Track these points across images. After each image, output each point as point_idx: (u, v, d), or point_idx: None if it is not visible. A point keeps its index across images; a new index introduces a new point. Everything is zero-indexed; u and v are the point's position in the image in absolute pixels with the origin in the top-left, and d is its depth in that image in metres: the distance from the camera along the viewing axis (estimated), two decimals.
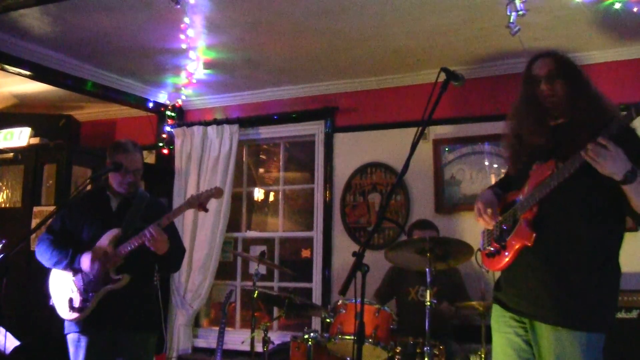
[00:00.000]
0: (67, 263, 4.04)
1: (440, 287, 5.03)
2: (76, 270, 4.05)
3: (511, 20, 4.41)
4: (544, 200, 2.81)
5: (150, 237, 3.92)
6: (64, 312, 4.04)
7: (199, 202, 4.13)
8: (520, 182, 3.01)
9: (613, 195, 2.69)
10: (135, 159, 4.21)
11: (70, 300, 4.01)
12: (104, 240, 4.04)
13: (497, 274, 3.13)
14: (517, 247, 2.89)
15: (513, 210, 2.96)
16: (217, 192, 4.20)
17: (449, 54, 5.60)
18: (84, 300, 3.99)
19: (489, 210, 3.03)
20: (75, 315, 3.99)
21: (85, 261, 3.99)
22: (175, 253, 4.22)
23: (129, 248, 3.98)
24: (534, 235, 2.82)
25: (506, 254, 2.95)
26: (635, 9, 4.44)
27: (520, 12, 4.30)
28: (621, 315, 4.73)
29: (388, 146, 6.23)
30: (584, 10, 4.63)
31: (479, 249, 3.22)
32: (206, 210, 4.20)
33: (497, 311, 3.03)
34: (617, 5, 4.43)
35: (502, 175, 3.42)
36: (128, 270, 4.03)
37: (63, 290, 4.08)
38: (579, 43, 5.26)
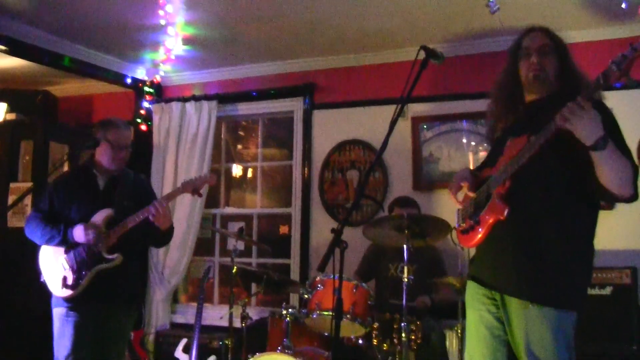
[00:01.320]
0: (61, 239, 4.05)
1: (420, 264, 5.06)
2: (69, 248, 4.06)
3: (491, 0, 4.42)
4: (517, 174, 2.78)
5: (155, 213, 3.96)
6: (57, 289, 4.07)
7: (194, 187, 4.15)
8: (495, 158, 2.99)
9: (586, 170, 2.68)
10: (126, 135, 4.25)
11: (64, 278, 4.03)
12: (97, 219, 4.05)
13: (474, 251, 3.14)
14: (490, 221, 2.87)
15: (486, 186, 2.95)
16: (211, 178, 4.25)
17: (429, 32, 5.58)
18: (77, 278, 4.01)
19: (463, 184, 3.04)
20: (68, 292, 4.02)
21: (79, 232, 3.99)
22: (172, 229, 4.29)
23: (132, 224, 4.01)
24: (507, 209, 2.79)
25: (480, 229, 2.93)
26: None
27: None
28: (595, 291, 4.79)
29: (367, 124, 6.23)
30: None
31: (454, 227, 3.23)
32: (200, 195, 4.25)
33: (471, 288, 3.04)
34: None
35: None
36: (120, 248, 4.05)
37: (55, 268, 4.09)
38: (558, 22, 5.24)
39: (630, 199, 2.69)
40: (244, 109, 6.90)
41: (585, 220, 2.84)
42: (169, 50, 6.03)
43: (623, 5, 4.70)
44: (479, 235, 2.94)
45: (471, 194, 3.04)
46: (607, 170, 2.58)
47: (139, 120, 6.97)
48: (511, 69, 3.02)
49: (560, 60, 2.93)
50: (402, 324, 4.15)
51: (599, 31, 5.41)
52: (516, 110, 2.98)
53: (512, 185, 2.82)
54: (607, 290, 4.81)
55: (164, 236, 4.25)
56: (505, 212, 2.80)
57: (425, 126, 6.00)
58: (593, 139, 2.52)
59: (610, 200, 2.76)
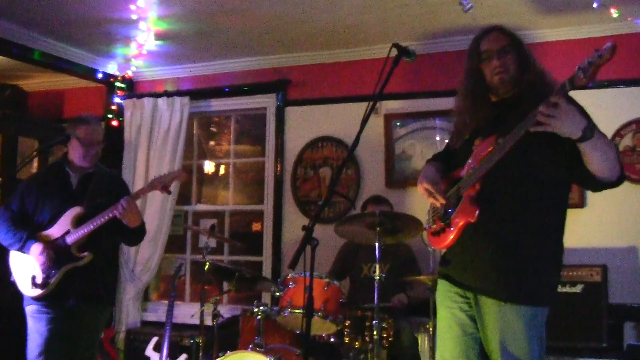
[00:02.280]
0: (19, 248, 4.02)
1: (394, 262, 5.07)
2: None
3: None
4: (487, 175, 2.79)
5: (122, 210, 3.91)
6: (26, 289, 4.04)
7: (162, 184, 4.11)
8: (464, 159, 2.98)
9: (556, 168, 2.68)
10: (97, 131, 4.21)
11: (33, 278, 4.00)
12: (64, 220, 4.03)
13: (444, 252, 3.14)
14: (461, 224, 2.88)
15: (457, 188, 2.95)
16: (180, 175, 4.22)
17: (402, 29, 5.59)
18: (46, 277, 3.98)
19: (437, 188, 3.02)
20: (38, 291, 3.99)
21: (35, 250, 3.97)
22: (143, 227, 4.25)
23: (98, 222, 3.97)
24: (477, 211, 2.81)
25: (451, 231, 2.94)
26: None
27: None
28: (566, 289, 4.83)
29: (340, 120, 6.22)
30: None
31: (425, 228, 3.22)
32: (169, 192, 4.22)
33: (442, 286, 3.05)
34: None
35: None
36: (91, 247, 4.02)
37: (25, 267, 4.06)
38: (531, 21, 5.29)
39: (619, 181, 2.68)
40: (217, 105, 6.86)
41: (556, 218, 2.86)
42: (141, 45, 5.97)
43: (594, 5, 4.73)
44: (450, 237, 2.95)
45: (442, 201, 3.02)
46: (598, 157, 2.56)
47: (110, 116, 6.89)
48: (474, 72, 3.01)
49: (520, 58, 2.93)
50: (374, 322, 4.15)
51: (572, 30, 5.44)
52: (483, 111, 2.98)
53: (483, 186, 2.83)
54: (578, 288, 4.85)
55: (134, 234, 4.21)
56: (476, 215, 2.81)
57: (398, 123, 6.01)
58: (579, 131, 2.49)
59: (598, 187, 2.71)
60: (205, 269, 5.08)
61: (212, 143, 7.49)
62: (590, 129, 2.50)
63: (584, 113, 2.67)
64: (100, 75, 6.83)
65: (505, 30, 3.01)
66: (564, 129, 2.50)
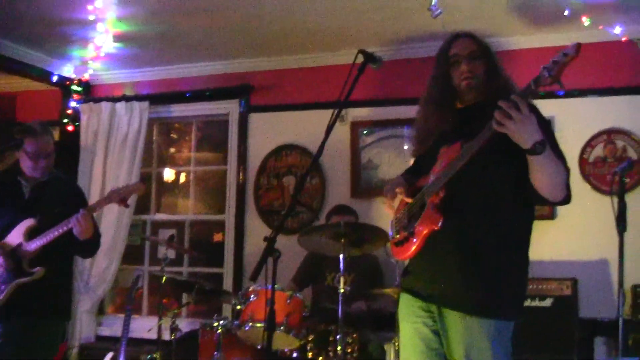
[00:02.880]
0: None
1: (358, 273, 5.08)
2: None
3: (433, 3, 4.46)
4: (452, 183, 2.79)
5: (77, 224, 3.86)
6: None
7: (121, 197, 4.06)
8: (429, 167, 2.99)
9: (521, 177, 2.70)
10: (45, 142, 4.10)
11: None
12: (17, 233, 3.96)
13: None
14: (424, 232, 2.86)
15: (421, 195, 2.95)
16: (139, 187, 4.18)
17: (369, 34, 5.62)
18: None
19: (398, 190, 3.03)
20: None
21: None
22: (97, 239, 4.18)
23: (52, 236, 3.90)
24: (441, 219, 2.80)
25: (414, 240, 2.91)
26: None
27: None
28: (535, 303, 4.88)
29: (305, 128, 6.22)
30: None
31: (390, 239, 3.21)
32: (127, 206, 4.17)
33: (405, 300, 3.03)
34: None
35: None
36: (44, 261, 3.95)
37: None
38: (503, 28, 5.36)
39: (563, 202, 2.75)
40: (178, 110, 6.84)
41: (522, 229, 2.87)
42: (99, 47, 5.93)
43: (566, 12, 4.80)
44: (413, 247, 2.93)
45: (408, 200, 3.03)
46: (542, 174, 2.62)
47: (65, 121, 6.82)
48: (442, 77, 3.03)
49: (488, 65, 2.96)
50: (338, 336, 4.15)
51: (543, 37, 5.50)
52: (448, 118, 3.00)
53: (447, 194, 2.83)
54: (548, 302, 4.89)
55: (87, 246, 4.12)
56: (440, 223, 2.80)
57: (364, 131, 6.03)
58: (530, 142, 2.53)
59: (543, 204, 2.80)
60: (164, 281, 5.05)
61: (172, 150, 7.44)
62: (542, 145, 2.54)
63: (545, 127, 2.71)
64: (55, 78, 6.76)
65: (475, 37, 3.04)
66: (516, 134, 2.53)
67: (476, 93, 2.95)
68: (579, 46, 2.37)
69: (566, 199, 2.74)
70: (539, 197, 2.70)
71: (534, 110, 2.71)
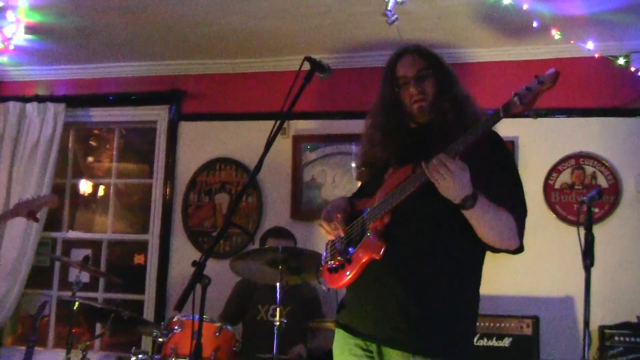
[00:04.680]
0: None
1: (295, 305, 5.07)
2: None
3: (388, 8, 4.50)
4: (398, 209, 2.80)
5: None
6: None
7: (29, 210, 3.99)
8: (374, 189, 2.98)
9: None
10: None
11: None
12: None
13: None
14: (363, 260, 2.85)
15: (361, 219, 2.95)
16: (51, 200, 4.11)
17: (318, 39, 5.66)
18: None
19: (336, 216, 3.01)
20: None
21: None
22: None
23: None
24: (384, 247, 2.79)
25: (350, 269, 2.91)
26: (525, 7, 4.64)
27: (400, 0, 4.39)
28: (492, 342, 4.89)
29: (242, 140, 6.23)
30: (472, 3, 4.80)
31: (321, 264, 3.18)
32: (37, 220, 4.10)
33: (340, 337, 2.99)
34: (507, 1, 4.61)
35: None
36: None
37: None
38: (464, 39, 5.44)
39: (515, 252, 2.82)
40: (98, 115, 6.78)
41: (473, 263, 2.89)
42: (8, 39, 5.82)
43: (534, 24, 4.90)
44: (349, 276, 2.92)
45: (342, 233, 3.02)
46: (480, 226, 2.68)
47: None
48: (390, 99, 3.04)
49: (439, 81, 2.98)
50: None
51: (507, 50, 5.62)
52: (400, 139, 3.02)
53: (392, 220, 2.83)
54: (506, 342, 4.90)
55: None
56: (382, 251, 2.79)
57: (308, 146, 6.06)
58: (459, 199, 2.60)
59: (493, 251, 2.83)
60: (75, 308, 4.98)
61: (90, 159, 7.37)
62: (472, 199, 2.60)
63: (504, 164, 2.82)
64: None
65: (422, 51, 3.05)
66: (444, 191, 2.61)
67: (430, 112, 2.96)
68: (556, 75, 2.42)
69: (517, 250, 2.81)
70: (487, 246, 2.77)
71: (495, 142, 2.79)
